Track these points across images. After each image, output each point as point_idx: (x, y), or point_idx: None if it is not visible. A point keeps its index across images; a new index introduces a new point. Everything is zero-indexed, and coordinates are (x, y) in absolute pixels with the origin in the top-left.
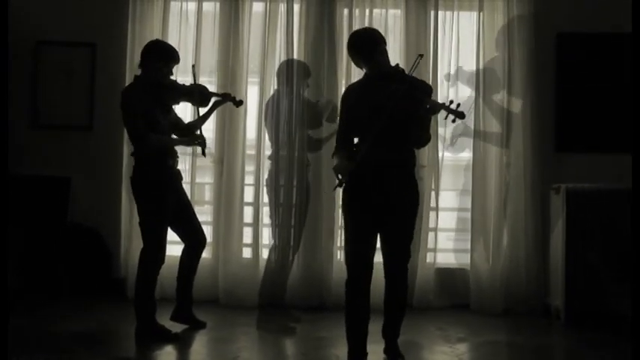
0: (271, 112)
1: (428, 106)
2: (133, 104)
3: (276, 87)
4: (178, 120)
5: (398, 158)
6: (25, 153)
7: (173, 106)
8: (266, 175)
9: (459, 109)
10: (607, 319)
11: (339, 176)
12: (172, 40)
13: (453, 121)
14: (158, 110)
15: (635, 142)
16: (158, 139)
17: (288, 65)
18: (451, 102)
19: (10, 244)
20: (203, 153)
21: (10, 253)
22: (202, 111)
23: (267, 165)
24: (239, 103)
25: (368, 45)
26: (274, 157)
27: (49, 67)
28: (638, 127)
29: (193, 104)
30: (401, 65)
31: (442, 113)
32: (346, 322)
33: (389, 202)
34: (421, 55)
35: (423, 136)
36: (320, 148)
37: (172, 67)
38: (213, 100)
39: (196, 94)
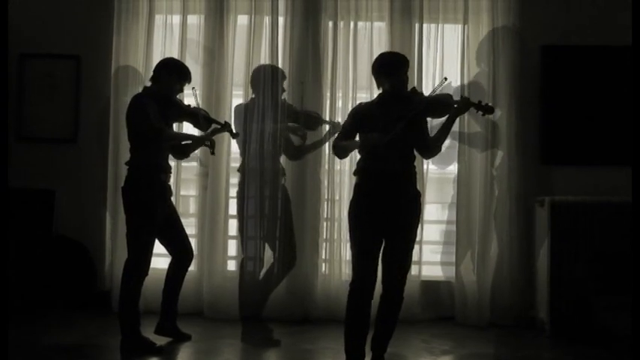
0: (247, 120)
1: (456, 106)
2: (144, 107)
3: (252, 95)
4: (178, 135)
5: (403, 169)
6: (9, 165)
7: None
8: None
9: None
10: (592, 331)
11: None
12: (157, 53)
13: (483, 115)
14: (161, 124)
15: (635, 152)
16: (173, 133)
17: (263, 71)
18: (479, 101)
19: None
20: (212, 153)
21: None
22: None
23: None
24: (235, 135)
25: (391, 67)
26: (244, 169)
27: (33, 79)
28: (637, 138)
29: (194, 126)
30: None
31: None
32: (346, 333)
33: (394, 213)
34: (445, 79)
35: (442, 142)
36: (300, 157)
37: (183, 85)
38: (212, 126)
39: (200, 118)
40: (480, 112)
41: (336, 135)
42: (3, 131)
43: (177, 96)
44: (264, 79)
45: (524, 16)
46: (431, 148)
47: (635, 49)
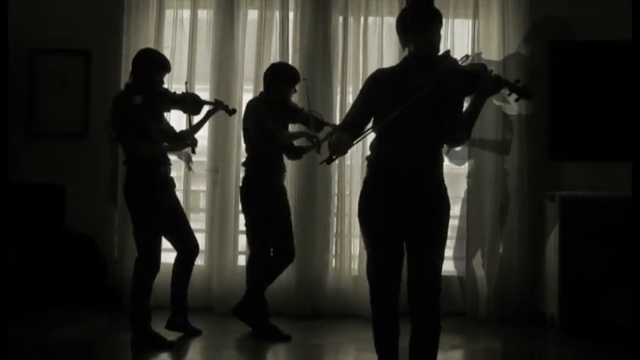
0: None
1: (488, 83)
2: (123, 112)
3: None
4: (170, 128)
5: (425, 158)
6: (19, 161)
7: (165, 115)
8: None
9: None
10: (602, 326)
11: (334, 152)
12: (167, 48)
13: (517, 99)
14: (149, 118)
15: (636, 148)
16: (147, 148)
17: (276, 68)
18: (517, 80)
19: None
20: (192, 151)
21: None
22: (195, 119)
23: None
24: (232, 112)
25: (418, 21)
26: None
27: (44, 74)
28: (638, 133)
29: (185, 112)
30: None
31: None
32: (375, 341)
33: (415, 215)
34: (467, 56)
35: (470, 126)
36: (300, 157)
37: (164, 75)
38: (205, 108)
39: (188, 102)
40: (514, 96)
41: (346, 115)
42: (3, 128)
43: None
44: (283, 78)
45: (533, 11)
46: (458, 134)
47: (635, 45)
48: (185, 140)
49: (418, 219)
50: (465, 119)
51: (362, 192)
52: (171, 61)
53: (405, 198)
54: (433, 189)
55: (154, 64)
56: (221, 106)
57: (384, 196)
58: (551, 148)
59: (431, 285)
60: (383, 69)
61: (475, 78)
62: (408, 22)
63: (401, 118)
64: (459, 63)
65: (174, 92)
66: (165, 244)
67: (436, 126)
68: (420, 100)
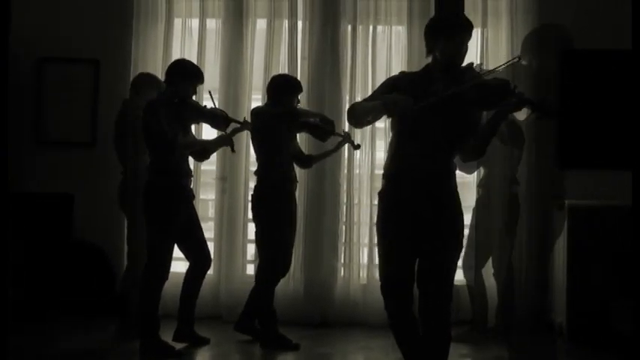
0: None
1: (511, 101)
2: (158, 115)
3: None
4: (194, 138)
5: (438, 166)
6: (27, 170)
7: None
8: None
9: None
10: (610, 336)
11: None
12: (175, 57)
13: (539, 118)
14: (178, 129)
15: (636, 154)
16: (190, 141)
17: (278, 80)
18: (543, 99)
19: (14, 261)
20: (232, 150)
21: (13, 271)
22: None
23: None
24: None
25: (446, 28)
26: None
27: (53, 83)
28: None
29: (212, 127)
30: None
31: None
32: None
33: (434, 226)
34: (519, 58)
35: (486, 143)
36: (310, 165)
37: (196, 86)
38: (231, 126)
39: (218, 118)
40: (536, 115)
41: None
42: (3, 135)
43: (195, 98)
44: (283, 89)
45: (543, 20)
46: (473, 148)
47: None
48: (223, 142)
49: (437, 232)
50: (483, 134)
51: (378, 205)
52: None
53: (420, 207)
54: (448, 199)
55: (185, 75)
56: (247, 127)
57: (400, 206)
58: (561, 156)
59: (443, 297)
60: (405, 72)
61: (500, 93)
62: (439, 26)
63: (417, 124)
64: (507, 64)
65: (204, 106)
66: (177, 253)
67: (451, 136)
68: (438, 106)
